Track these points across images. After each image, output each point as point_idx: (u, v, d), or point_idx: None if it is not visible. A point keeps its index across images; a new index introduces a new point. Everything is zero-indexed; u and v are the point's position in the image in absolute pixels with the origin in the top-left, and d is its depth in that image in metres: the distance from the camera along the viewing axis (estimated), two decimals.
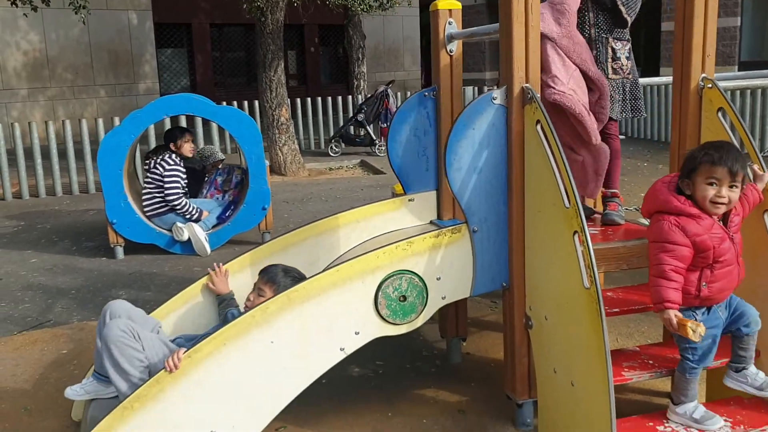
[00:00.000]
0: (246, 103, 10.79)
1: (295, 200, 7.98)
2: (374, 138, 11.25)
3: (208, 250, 5.74)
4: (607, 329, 2.29)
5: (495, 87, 2.86)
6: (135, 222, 5.68)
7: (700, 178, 2.42)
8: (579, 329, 2.42)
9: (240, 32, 18.27)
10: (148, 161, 5.88)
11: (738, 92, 9.32)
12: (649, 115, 11.52)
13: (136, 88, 16.12)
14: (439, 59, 3.31)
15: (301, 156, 9.92)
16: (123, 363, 2.66)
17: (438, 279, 2.80)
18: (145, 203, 5.78)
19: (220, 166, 6.46)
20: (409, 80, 20.20)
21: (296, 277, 2.97)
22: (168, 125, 7.27)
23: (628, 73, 3.40)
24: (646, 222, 2.78)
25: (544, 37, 2.87)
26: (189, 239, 5.73)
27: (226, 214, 6.03)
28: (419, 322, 2.80)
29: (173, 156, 5.76)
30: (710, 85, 2.78)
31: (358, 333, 2.70)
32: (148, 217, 5.77)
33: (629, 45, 3.41)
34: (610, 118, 3.39)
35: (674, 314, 2.39)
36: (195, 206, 5.79)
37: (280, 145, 9.52)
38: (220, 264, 3.20)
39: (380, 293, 2.69)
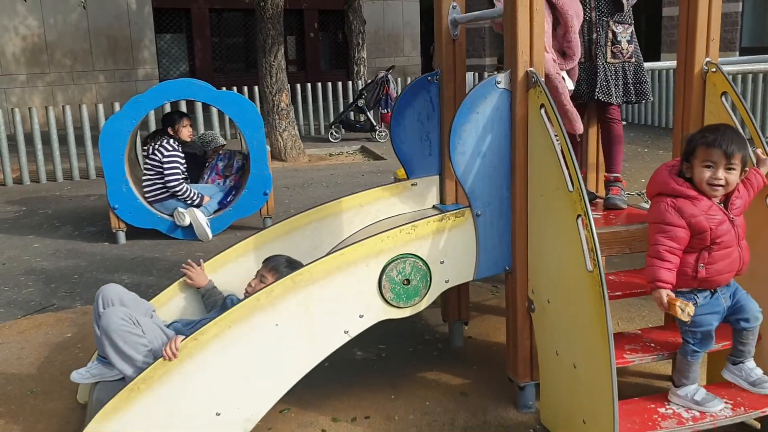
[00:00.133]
0: (246, 88, 10.76)
1: (295, 186, 7.99)
2: (375, 124, 11.24)
3: (210, 235, 5.75)
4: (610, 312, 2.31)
5: (495, 72, 2.86)
6: (136, 207, 5.69)
7: (698, 160, 2.43)
8: (582, 312, 2.44)
9: (239, 17, 18.18)
10: (146, 147, 5.88)
11: (740, 77, 9.30)
12: (651, 100, 11.51)
13: (135, 74, 16.07)
14: (442, 44, 3.31)
15: (301, 142, 9.91)
16: (128, 350, 2.69)
17: (441, 263, 2.81)
18: (145, 189, 5.78)
19: (221, 152, 6.46)
20: (409, 66, 20.14)
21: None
22: (168, 111, 7.25)
23: (629, 57, 3.39)
24: (648, 206, 2.80)
25: None
26: (191, 224, 5.75)
27: (228, 200, 6.04)
28: (423, 305, 2.82)
29: (171, 141, 5.76)
30: (714, 70, 2.78)
31: (362, 316, 2.71)
32: (150, 203, 5.78)
33: (631, 29, 3.41)
34: (610, 104, 3.39)
35: (665, 293, 2.41)
36: (196, 191, 5.79)
37: (280, 130, 9.51)
38: (200, 260, 3.24)
39: (384, 277, 2.70)
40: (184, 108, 8.52)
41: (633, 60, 3.42)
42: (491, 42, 21.06)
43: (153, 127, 8.62)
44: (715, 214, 2.42)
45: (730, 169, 2.41)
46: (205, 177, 6.24)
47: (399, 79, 12.10)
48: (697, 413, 2.53)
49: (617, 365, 2.37)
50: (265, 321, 2.56)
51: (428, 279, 2.79)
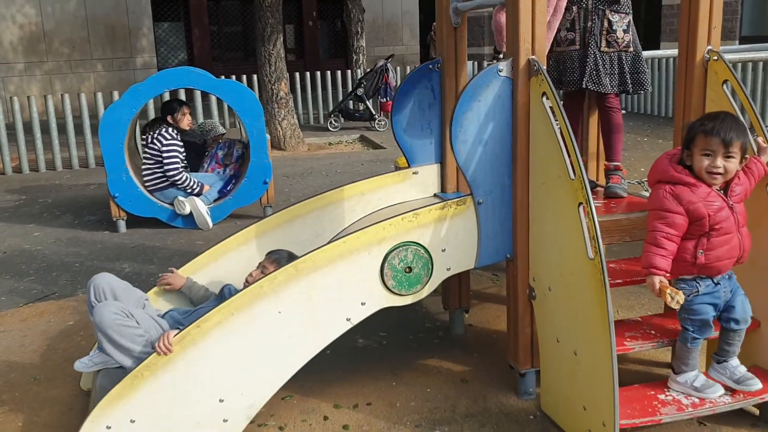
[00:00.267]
0: (244, 77, 10.72)
1: (295, 175, 7.99)
2: (374, 113, 11.21)
3: (210, 223, 5.76)
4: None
5: (495, 62, 2.86)
6: (137, 196, 5.70)
7: (697, 149, 2.44)
8: (583, 299, 2.45)
9: (237, 6, 18.10)
10: (145, 135, 5.87)
11: (740, 66, 9.29)
12: (650, 90, 11.50)
13: (133, 63, 16.00)
14: (443, 32, 3.30)
15: (300, 131, 9.89)
16: (125, 343, 2.69)
17: (443, 250, 2.82)
18: (145, 178, 5.78)
19: (221, 140, 6.45)
20: (408, 55, 20.04)
21: None
22: (167, 99, 7.24)
23: (625, 47, 3.38)
24: (648, 195, 2.81)
25: None
26: (191, 213, 5.75)
27: (228, 189, 6.04)
28: (424, 293, 2.83)
29: (170, 130, 5.75)
30: (716, 58, 2.78)
31: (365, 303, 2.73)
32: (150, 192, 5.78)
33: (629, 18, 3.40)
34: (606, 93, 3.39)
35: (659, 280, 2.43)
36: (196, 180, 5.79)
37: (280, 119, 9.49)
38: (171, 270, 3.25)
39: (386, 264, 2.71)
40: (183, 97, 8.50)
41: (631, 50, 3.41)
42: (490, 31, 20.97)
43: (152, 115, 8.60)
44: (713, 200, 2.43)
45: (728, 157, 2.42)
46: (205, 166, 6.23)
47: (398, 68, 12.06)
48: (697, 400, 2.56)
49: (617, 352, 2.39)
50: (268, 308, 2.57)
51: (430, 267, 2.80)
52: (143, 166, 5.81)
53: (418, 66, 3.46)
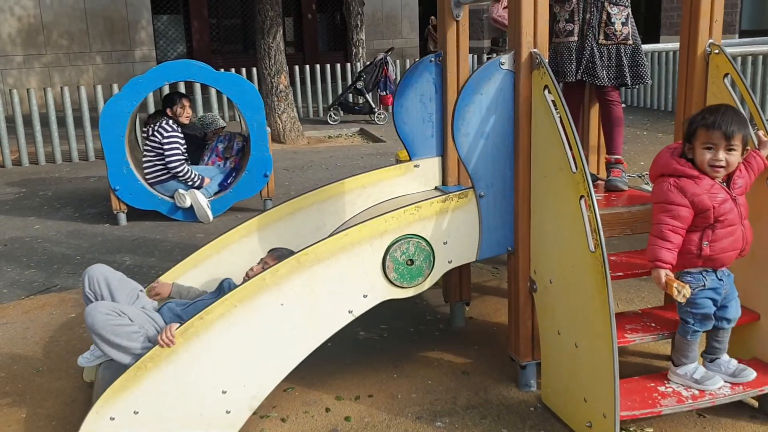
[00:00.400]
0: (244, 70, 10.70)
1: (295, 168, 7.99)
2: (373, 106, 11.20)
3: (211, 216, 5.76)
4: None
5: (494, 55, 2.87)
6: (137, 189, 5.70)
7: (698, 142, 2.45)
8: (584, 292, 2.46)
9: None
10: (146, 128, 5.88)
11: (739, 59, 9.29)
12: (649, 83, 11.50)
13: (132, 55, 15.95)
14: (445, 25, 3.30)
15: (300, 124, 9.89)
16: (122, 342, 2.67)
17: (445, 243, 2.83)
18: (146, 170, 5.79)
19: (221, 133, 6.45)
20: (408, 48, 20.00)
21: None
22: (167, 92, 7.23)
23: (624, 39, 3.38)
24: (649, 188, 2.82)
25: None
26: (191, 206, 5.76)
27: (228, 182, 6.04)
28: (426, 285, 2.85)
29: (170, 122, 5.75)
30: (717, 51, 2.79)
31: (366, 296, 2.74)
32: (150, 185, 5.78)
33: (627, 11, 3.40)
34: (605, 86, 3.39)
35: (664, 273, 2.44)
36: (196, 173, 5.80)
37: (279, 112, 9.48)
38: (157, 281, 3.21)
39: (388, 257, 2.72)
40: (183, 90, 8.49)
41: (630, 42, 3.41)
42: (489, 24, 20.94)
43: (152, 109, 8.59)
44: (717, 192, 2.44)
45: (730, 150, 2.43)
46: (206, 159, 6.24)
47: (398, 62, 12.04)
48: (697, 391, 2.58)
49: (618, 344, 2.40)
50: (270, 301, 2.58)
51: (432, 259, 2.82)
52: (144, 159, 5.81)
53: (418, 59, 3.46)
